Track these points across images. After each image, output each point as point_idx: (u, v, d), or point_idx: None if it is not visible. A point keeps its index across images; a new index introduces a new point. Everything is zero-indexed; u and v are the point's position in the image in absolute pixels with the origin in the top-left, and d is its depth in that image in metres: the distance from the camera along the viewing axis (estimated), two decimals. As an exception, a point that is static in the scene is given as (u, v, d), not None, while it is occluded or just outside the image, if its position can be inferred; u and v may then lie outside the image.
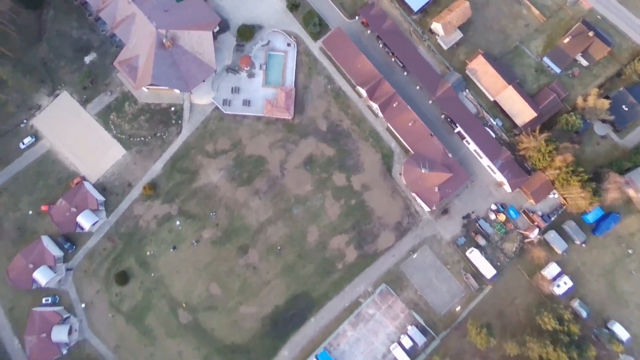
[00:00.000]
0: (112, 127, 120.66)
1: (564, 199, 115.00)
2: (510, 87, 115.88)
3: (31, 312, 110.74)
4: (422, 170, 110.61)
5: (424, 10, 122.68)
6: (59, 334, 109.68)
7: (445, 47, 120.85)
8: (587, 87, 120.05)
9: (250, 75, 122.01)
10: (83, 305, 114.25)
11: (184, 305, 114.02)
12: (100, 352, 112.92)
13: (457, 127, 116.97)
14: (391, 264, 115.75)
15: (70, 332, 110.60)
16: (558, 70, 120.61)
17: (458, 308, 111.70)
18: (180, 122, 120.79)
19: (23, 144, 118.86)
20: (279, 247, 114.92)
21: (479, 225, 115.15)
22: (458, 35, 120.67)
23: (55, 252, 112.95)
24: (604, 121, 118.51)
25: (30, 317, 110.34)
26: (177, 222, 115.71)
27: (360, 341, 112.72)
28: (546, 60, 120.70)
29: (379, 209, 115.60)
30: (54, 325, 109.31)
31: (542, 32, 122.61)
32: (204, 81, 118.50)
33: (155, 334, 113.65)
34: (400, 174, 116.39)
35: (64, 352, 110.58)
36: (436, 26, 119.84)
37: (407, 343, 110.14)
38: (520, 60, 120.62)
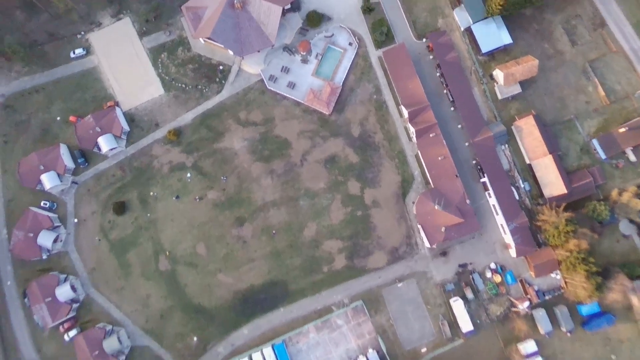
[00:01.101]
0: (159, 65, 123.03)
1: (565, 282, 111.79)
2: (550, 156, 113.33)
3: (27, 210, 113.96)
4: (436, 207, 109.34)
5: (491, 53, 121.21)
6: (45, 239, 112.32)
7: (499, 97, 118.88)
8: (627, 182, 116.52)
9: (304, 60, 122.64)
10: (76, 220, 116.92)
11: (167, 253, 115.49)
12: (77, 268, 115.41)
13: (484, 176, 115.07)
14: (374, 284, 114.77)
15: (55, 241, 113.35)
16: (603, 157, 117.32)
17: (424, 350, 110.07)
18: (223, 82, 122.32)
19: (74, 53, 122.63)
20: (274, 231, 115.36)
21: (473, 278, 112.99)
22: (517, 89, 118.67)
23: (68, 162, 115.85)
24: (631, 221, 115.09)
25: (25, 214, 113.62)
26: (188, 175, 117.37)
27: (319, 346, 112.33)
28: (595, 142, 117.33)
29: (381, 229, 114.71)
30: (43, 229, 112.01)
31: (601, 114, 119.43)
32: (258, 51, 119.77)
33: (131, 270, 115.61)
34: (413, 202, 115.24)
35: (44, 256, 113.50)
36: (498, 73, 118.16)
37: None
38: (569, 134, 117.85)
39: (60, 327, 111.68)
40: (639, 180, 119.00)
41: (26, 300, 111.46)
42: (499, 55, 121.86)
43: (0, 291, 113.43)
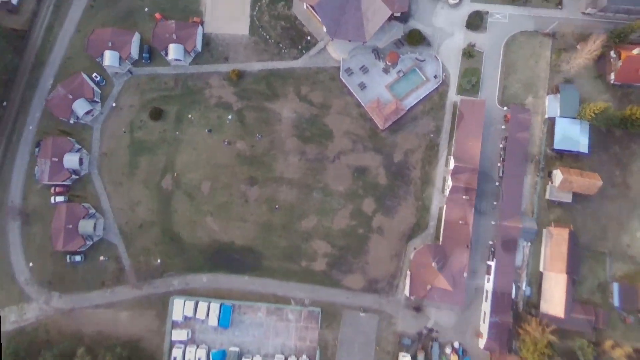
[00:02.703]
0: (256, 8, 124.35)
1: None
2: (566, 276, 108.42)
3: (78, 74, 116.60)
4: (433, 264, 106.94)
5: (562, 153, 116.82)
6: (81, 107, 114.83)
7: (547, 196, 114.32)
8: (626, 339, 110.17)
9: (386, 70, 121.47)
10: (114, 104, 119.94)
11: (175, 174, 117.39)
12: (92, 145, 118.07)
13: (493, 261, 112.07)
14: (339, 301, 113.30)
15: (87, 113, 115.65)
16: (617, 304, 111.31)
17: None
18: (303, 52, 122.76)
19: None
20: (277, 206, 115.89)
21: (432, 345, 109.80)
22: (567, 198, 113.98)
23: (134, 51, 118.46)
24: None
25: (75, 76, 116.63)
26: (230, 116, 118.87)
27: (261, 327, 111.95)
28: (615, 287, 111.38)
29: (373, 256, 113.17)
30: (83, 97, 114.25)
31: (635, 264, 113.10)
32: (349, 41, 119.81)
33: (137, 172, 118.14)
34: (414, 248, 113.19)
35: (71, 121, 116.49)
36: (558, 174, 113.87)
37: None
38: (595, 266, 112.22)
39: (52, 189, 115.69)
40: (638, 344, 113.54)
41: (37, 150, 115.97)
42: (568, 157, 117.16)
43: (19, 131, 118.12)
